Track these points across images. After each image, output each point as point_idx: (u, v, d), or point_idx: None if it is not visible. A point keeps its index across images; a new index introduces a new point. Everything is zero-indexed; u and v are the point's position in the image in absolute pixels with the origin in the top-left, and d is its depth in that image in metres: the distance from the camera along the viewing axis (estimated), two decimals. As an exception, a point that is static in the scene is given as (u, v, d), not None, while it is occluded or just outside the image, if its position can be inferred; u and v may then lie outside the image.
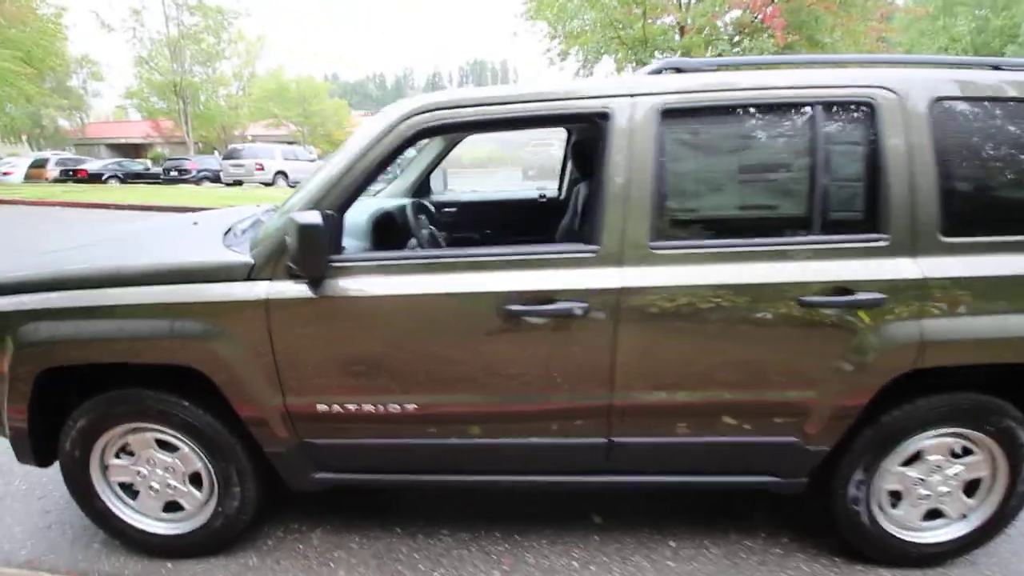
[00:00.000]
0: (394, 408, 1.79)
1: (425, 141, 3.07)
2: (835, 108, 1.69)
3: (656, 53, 13.10)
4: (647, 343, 1.70)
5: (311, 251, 1.60)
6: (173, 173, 21.07)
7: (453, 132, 1.84)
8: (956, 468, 1.86)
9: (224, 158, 21.01)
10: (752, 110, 1.70)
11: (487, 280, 1.71)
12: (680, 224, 1.73)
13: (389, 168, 1.90)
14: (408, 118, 1.74)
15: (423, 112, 1.74)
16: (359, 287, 1.73)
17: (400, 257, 1.80)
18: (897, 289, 1.65)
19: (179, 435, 1.89)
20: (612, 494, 2.34)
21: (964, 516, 1.92)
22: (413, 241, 2.58)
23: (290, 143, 25.65)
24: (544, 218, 3.38)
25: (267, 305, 1.71)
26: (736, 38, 12.82)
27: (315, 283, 1.72)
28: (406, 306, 1.73)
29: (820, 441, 1.80)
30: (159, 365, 1.80)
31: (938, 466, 1.86)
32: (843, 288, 1.65)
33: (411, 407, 1.79)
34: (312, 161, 22.49)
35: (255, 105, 29.81)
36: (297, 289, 1.72)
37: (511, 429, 1.83)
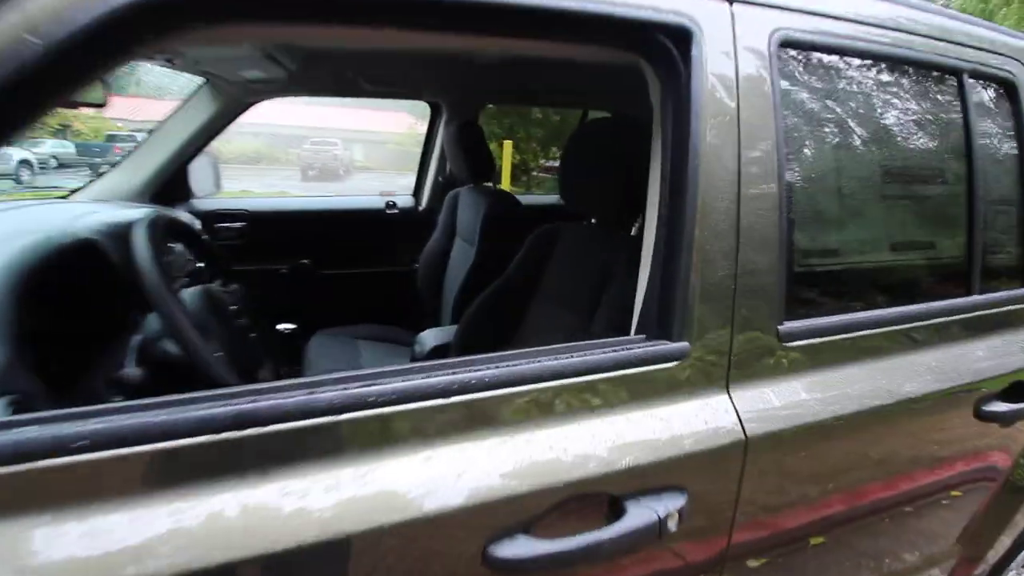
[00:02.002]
0: None
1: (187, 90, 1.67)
2: (981, 83, 1.03)
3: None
4: (769, 526, 0.82)
5: None
6: None
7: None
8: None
9: None
10: (897, 70, 0.94)
11: (427, 478, 0.58)
12: (815, 284, 0.87)
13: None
14: None
15: None
16: None
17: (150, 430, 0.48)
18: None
19: None
20: None
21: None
22: (151, 326, 0.93)
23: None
24: (395, 239, 2.27)
25: None
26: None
27: None
28: None
29: None
30: None
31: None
32: (1019, 382, 1.00)
33: None
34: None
35: None
36: None
37: None
